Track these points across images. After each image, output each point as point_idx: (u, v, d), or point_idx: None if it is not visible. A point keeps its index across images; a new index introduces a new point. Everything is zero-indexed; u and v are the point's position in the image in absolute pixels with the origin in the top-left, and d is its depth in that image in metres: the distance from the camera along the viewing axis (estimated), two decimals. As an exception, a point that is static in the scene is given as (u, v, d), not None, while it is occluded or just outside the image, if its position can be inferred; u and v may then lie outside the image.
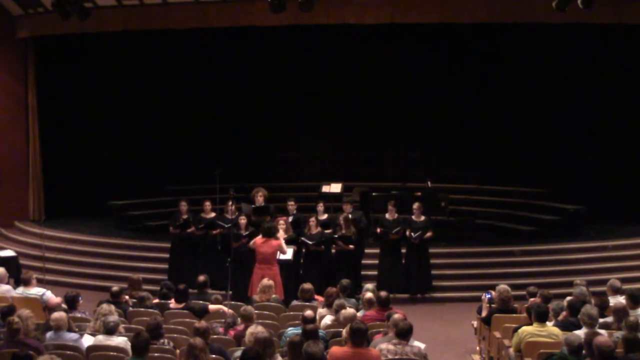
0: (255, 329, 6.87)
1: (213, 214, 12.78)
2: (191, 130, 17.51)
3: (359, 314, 8.59)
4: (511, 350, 8.03)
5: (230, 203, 12.43)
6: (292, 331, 7.75)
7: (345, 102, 17.81)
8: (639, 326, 7.23)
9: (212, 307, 9.02)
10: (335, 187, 15.08)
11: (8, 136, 16.80)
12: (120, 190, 17.03)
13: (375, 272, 12.82)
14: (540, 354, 7.29)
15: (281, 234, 11.60)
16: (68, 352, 7.24)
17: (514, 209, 16.66)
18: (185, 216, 12.75)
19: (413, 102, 17.43)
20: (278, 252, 11.18)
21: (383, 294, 8.64)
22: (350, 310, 8.08)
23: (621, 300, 8.62)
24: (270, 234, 11.13)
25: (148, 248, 14.49)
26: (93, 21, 13.44)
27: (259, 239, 11.17)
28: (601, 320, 7.89)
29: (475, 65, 16.95)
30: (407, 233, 12.52)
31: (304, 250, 12.12)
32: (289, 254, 11.53)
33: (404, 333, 7.15)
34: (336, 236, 12.14)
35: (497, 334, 8.72)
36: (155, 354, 7.11)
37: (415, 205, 12.78)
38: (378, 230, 12.78)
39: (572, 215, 15.47)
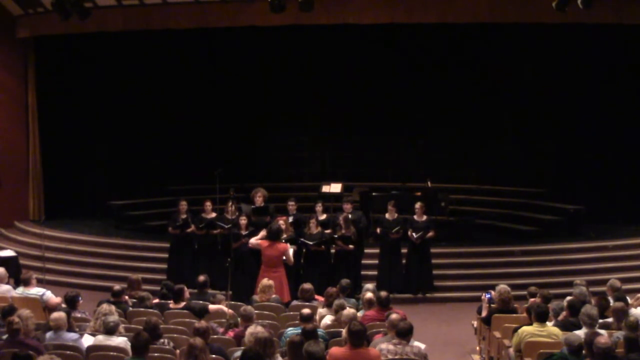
0: (255, 329, 6.87)
1: (213, 214, 12.77)
2: (191, 130, 17.51)
3: (359, 314, 8.59)
4: (511, 350, 8.04)
5: (230, 203, 12.43)
6: (292, 331, 7.75)
7: (345, 102, 17.82)
8: (639, 326, 7.23)
9: (212, 307, 9.02)
10: (335, 187, 15.08)
11: (8, 136, 16.78)
12: (120, 190, 17.03)
13: (375, 272, 12.82)
14: (540, 354, 7.29)
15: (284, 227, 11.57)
16: (68, 352, 7.24)
17: (514, 209, 16.66)
18: (184, 216, 12.75)
19: (413, 102, 17.43)
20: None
21: (383, 294, 8.63)
22: (350, 310, 8.08)
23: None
24: (276, 236, 11.12)
25: (148, 248, 14.49)
26: (93, 21, 13.44)
27: (263, 241, 11.15)
28: (601, 320, 7.89)
29: (475, 65, 16.94)
30: (409, 233, 12.52)
31: (304, 250, 12.12)
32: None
33: (404, 333, 7.15)
34: (336, 236, 12.14)
35: (497, 334, 8.72)
36: (155, 354, 7.11)
37: (417, 205, 12.78)
38: (378, 230, 12.78)
39: (572, 215, 15.46)
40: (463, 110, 17.20)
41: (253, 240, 11.37)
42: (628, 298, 8.92)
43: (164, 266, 13.13)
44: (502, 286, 9.22)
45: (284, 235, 11.62)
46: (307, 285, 9.53)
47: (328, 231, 12.26)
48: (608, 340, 6.67)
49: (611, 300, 8.67)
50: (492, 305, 9.25)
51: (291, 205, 12.77)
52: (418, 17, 14.07)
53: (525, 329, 7.82)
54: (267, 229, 11.29)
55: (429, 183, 15.75)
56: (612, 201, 15.89)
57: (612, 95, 15.85)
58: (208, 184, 14.40)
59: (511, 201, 16.92)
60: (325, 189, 15.09)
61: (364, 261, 12.80)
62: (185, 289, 9.31)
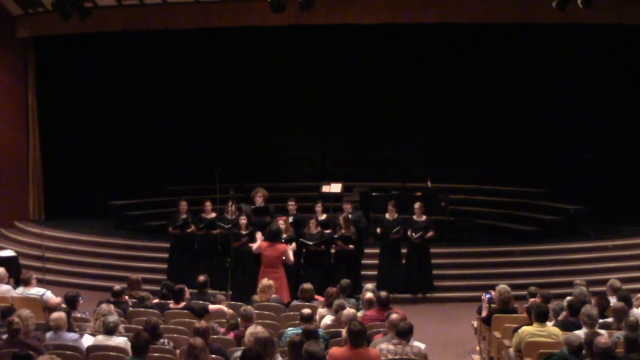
0: (255, 329, 6.87)
1: (213, 214, 12.77)
2: (191, 130, 17.51)
3: (359, 314, 8.60)
4: (511, 350, 8.03)
5: (230, 203, 12.43)
6: (292, 331, 7.75)
7: (345, 101, 17.81)
8: (639, 326, 7.23)
9: (212, 307, 9.02)
10: (335, 187, 15.06)
11: (8, 136, 16.78)
12: (120, 190, 17.03)
13: (375, 272, 12.82)
14: (540, 354, 7.29)
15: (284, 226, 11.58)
16: (68, 352, 7.24)
17: (514, 209, 16.67)
18: (184, 216, 12.74)
19: (413, 102, 17.43)
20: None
21: (383, 294, 8.64)
22: (350, 310, 8.08)
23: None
24: (276, 237, 11.13)
25: (148, 248, 14.49)
26: (93, 21, 13.43)
27: (263, 242, 11.16)
28: (601, 320, 7.89)
29: (475, 65, 16.95)
30: (409, 233, 12.52)
31: (304, 250, 12.12)
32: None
33: (404, 333, 7.15)
34: (336, 236, 12.14)
35: (497, 334, 8.72)
36: (155, 354, 7.11)
37: (417, 205, 12.78)
38: (378, 230, 12.78)
39: (572, 215, 15.47)
40: (463, 110, 17.19)
41: (255, 247, 11.41)
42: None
43: (164, 266, 13.14)
44: (502, 286, 9.22)
45: (284, 235, 11.63)
46: (307, 285, 9.54)
47: (328, 231, 12.27)
48: (608, 340, 6.67)
49: (611, 300, 8.67)
50: (492, 305, 9.25)
51: (291, 205, 12.77)
52: (418, 17, 14.07)
53: (525, 329, 7.82)
54: (266, 230, 11.30)
55: (429, 183, 15.75)
56: (612, 201, 15.89)
57: (612, 95, 15.85)
58: (208, 184, 14.39)
59: (511, 201, 16.93)
60: (325, 189, 15.08)
61: (364, 261, 12.80)
62: (186, 289, 9.31)
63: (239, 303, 9.43)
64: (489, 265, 13.64)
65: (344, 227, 12.10)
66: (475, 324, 10.08)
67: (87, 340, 7.59)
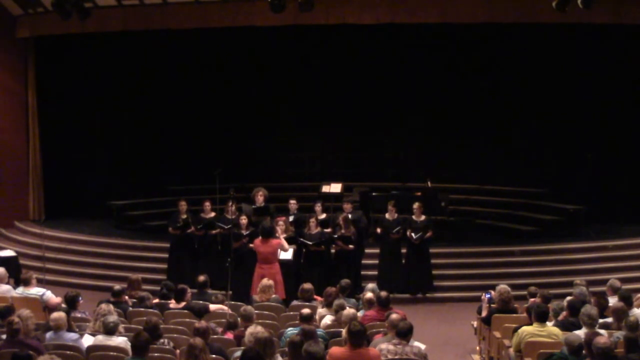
0: (255, 329, 6.88)
1: (213, 214, 12.77)
2: (191, 130, 17.51)
3: (359, 314, 8.60)
4: (511, 350, 8.03)
5: (230, 203, 12.43)
6: (292, 331, 7.75)
7: (346, 101, 17.80)
8: (639, 326, 7.23)
9: (212, 307, 9.02)
10: (335, 187, 15.06)
11: (8, 136, 16.77)
12: (120, 190, 17.03)
13: (375, 272, 12.82)
14: (540, 354, 7.29)
15: (279, 234, 11.60)
16: (68, 352, 7.24)
17: (514, 209, 16.66)
18: (184, 216, 12.74)
19: (413, 102, 17.43)
20: (279, 251, 11.23)
21: (383, 294, 8.64)
22: (350, 310, 8.08)
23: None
24: (269, 234, 11.16)
25: (148, 248, 14.49)
26: (93, 21, 13.47)
27: (258, 240, 11.21)
28: (601, 320, 7.89)
29: (475, 65, 16.93)
30: (408, 233, 12.53)
31: (303, 250, 12.13)
32: (289, 253, 11.55)
33: (404, 333, 7.15)
34: (336, 236, 12.14)
35: (497, 334, 8.72)
36: (155, 354, 7.11)
37: (416, 205, 12.79)
38: (378, 230, 12.79)
39: (572, 215, 15.46)
40: (463, 110, 17.19)
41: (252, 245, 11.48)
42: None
43: (164, 266, 13.14)
44: (502, 286, 9.22)
45: (284, 235, 11.63)
46: (307, 285, 9.55)
47: (328, 230, 12.27)
48: (608, 340, 6.67)
49: (611, 300, 8.67)
50: (492, 305, 9.25)
51: (292, 203, 12.79)
52: (418, 17, 14.08)
53: (525, 329, 7.82)
54: (259, 228, 11.33)
55: (429, 183, 15.75)
56: (612, 201, 15.89)
57: (612, 95, 15.86)
58: (208, 184, 14.40)
59: (511, 201, 16.92)
60: (325, 189, 15.07)
61: (364, 261, 12.81)
62: (188, 289, 9.32)
63: (239, 303, 9.43)
64: (489, 265, 13.63)
65: (344, 227, 12.10)
66: (475, 324, 10.08)
67: (87, 340, 7.60)
